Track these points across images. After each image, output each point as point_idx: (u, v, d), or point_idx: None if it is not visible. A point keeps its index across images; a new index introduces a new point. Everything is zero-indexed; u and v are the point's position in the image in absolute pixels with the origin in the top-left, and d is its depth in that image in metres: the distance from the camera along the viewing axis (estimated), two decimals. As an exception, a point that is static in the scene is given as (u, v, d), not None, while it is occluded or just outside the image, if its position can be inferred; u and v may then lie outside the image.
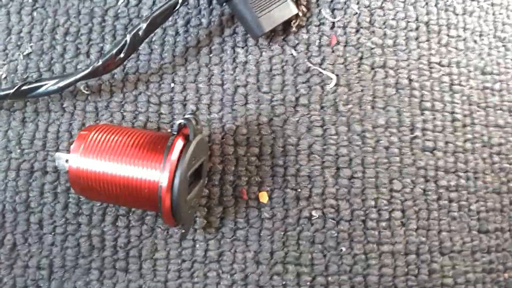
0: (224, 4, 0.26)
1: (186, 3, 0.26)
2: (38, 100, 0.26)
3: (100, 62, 0.24)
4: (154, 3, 0.27)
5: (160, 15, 0.24)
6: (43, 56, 0.27)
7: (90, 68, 0.24)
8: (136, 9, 0.27)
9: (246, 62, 0.27)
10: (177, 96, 0.26)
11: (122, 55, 0.24)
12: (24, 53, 0.27)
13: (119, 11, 0.27)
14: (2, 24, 0.27)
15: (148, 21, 0.24)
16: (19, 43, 0.27)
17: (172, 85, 0.26)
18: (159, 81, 0.26)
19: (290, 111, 0.26)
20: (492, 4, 0.29)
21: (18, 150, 0.26)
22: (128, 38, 0.24)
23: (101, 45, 0.27)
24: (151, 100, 0.26)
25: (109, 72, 0.25)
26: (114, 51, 0.24)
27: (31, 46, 0.27)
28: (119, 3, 0.27)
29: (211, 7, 0.27)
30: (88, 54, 0.27)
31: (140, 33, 0.24)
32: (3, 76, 0.27)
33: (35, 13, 0.27)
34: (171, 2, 0.24)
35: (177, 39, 0.27)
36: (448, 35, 0.28)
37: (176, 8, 0.24)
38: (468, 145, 0.27)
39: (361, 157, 0.26)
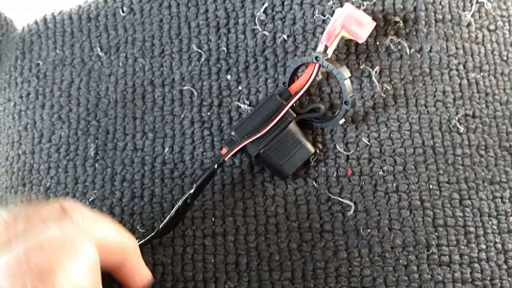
0: (253, 158, 0.30)
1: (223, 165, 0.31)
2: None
3: (160, 227, 0.29)
4: (194, 148, 0.32)
5: (204, 181, 0.29)
6: (105, 201, 0.32)
7: (152, 233, 0.29)
8: (179, 155, 0.32)
9: (274, 195, 0.31)
10: (217, 229, 0.31)
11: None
12: (90, 200, 0.32)
13: (165, 157, 0.32)
14: (70, 175, 0.33)
15: (194, 189, 0.29)
16: (84, 190, 0.32)
17: (213, 219, 0.31)
18: (202, 216, 0.31)
19: (317, 237, 0.30)
20: (495, 117, 0.32)
21: None
22: (180, 203, 0.28)
23: (152, 188, 0.32)
24: (197, 234, 0.31)
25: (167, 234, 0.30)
26: (172, 214, 0.29)
27: (94, 193, 0.32)
28: (165, 150, 0.32)
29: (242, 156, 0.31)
30: (142, 197, 0.32)
31: (188, 200, 0.28)
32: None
33: (96, 165, 0.33)
34: (210, 170, 0.29)
35: (215, 178, 0.31)
36: (454, 154, 0.31)
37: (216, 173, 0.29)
38: (483, 254, 0.30)
39: (383, 276, 0.29)
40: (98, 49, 0.34)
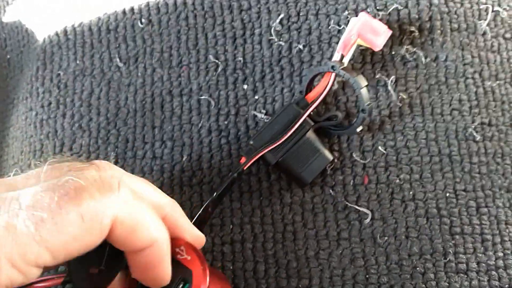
0: (270, 166, 0.31)
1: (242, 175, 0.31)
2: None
3: None
4: (212, 156, 0.33)
5: (224, 189, 0.29)
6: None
7: None
8: (197, 163, 0.33)
9: (291, 203, 0.31)
10: (235, 237, 0.31)
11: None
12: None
13: (184, 165, 0.33)
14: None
15: (214, 197, 0.29)
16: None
17: (231, 226, 0.31)
18: (220, 223, 0.31)
19: (334, 245, 0.30)
20: (511, 125, 0.32)
21: None
22: (201, 211, 0.29)
23: (171, 195, 0.32)
24: (216, 241, 0.31)
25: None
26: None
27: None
28: (184, 159, 0.33)
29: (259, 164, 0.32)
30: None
31: (209, 209, 0.29)
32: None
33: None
34: (230, 179, 0.29)
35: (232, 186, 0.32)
36: (470, 162, 0.31)
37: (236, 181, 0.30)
38: (500, 262, 0.30)
39: (400, 284, 0.29)
40: (118, 59, 0.34)
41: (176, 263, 0.24)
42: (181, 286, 0.24)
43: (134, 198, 0.22)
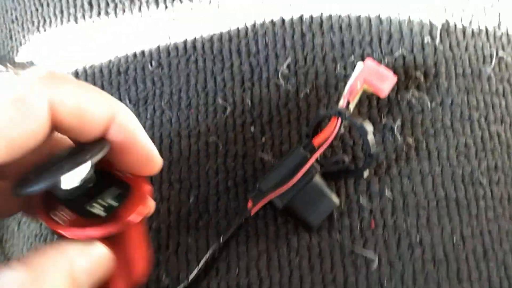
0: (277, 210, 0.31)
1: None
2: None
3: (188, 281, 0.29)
4: (218, 198, 0.33)
5: (231, 234, 0.29)
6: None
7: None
8: (204, 205, 0.33)
9: (298, 247, 0.31)
10: (241, 281, 0.31)
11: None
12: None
13: (191, 207, 0.33)
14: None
15: (221, 242, 0.29)
16: (112, 239, 0.33)
17: (237, 270, 0.31)
18: (226, 267, 0.31)
19: (341, 290, 0.30)
20: (518, 168, 0.32)
21: None
22: (208, 256, 0.29)
23: (178, 238, 0.32)
24: (221, 285, 0.31)
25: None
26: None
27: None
28: (190, 200, 0.33)
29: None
30: (167, 246, 0.32)
31: (215, 255, 0.29)
32: None
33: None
34: (238, 224, 0.29)
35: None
36: (477, 207, 0.31)
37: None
38: (509, 309, 0.29)
39: (408, 331, 0.29)
40: (127, 101, 0.35)
41: (112, 179, 0.22)
42: (111, 197, 0.22)
43: (75, 86, 0.21)
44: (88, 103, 0.21)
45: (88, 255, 0.20)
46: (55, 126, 0.21)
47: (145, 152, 0.23)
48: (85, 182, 0.22)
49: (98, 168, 0.22)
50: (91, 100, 0.21)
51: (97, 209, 0.21)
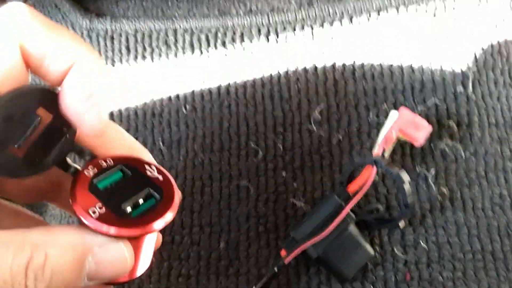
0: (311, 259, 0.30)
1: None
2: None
3: None
4: (249, 245, 0.32)
5: (264, 285, 0.29)
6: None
7: None
8: (234, 251, 0.32)
9: (331, 297, 0.30)
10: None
11: None
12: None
13: (221, 253, 0.32)
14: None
15: None
16: (140, 284, 0.32)
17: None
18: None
19: None
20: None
21: None
22: None
23: (207, 285, 0.32)
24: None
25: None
26: None
27: (150, 287, 0.32)
28: (221, 246, 0.33)
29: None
30: None
31: None
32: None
33: (154, 258, 0.33)
34: (271, 274, 0.29)
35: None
36: (514, 261, 0.31)
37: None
38: None
39: None
40: (161, 143, 0.35)
41: (147, 181, 0.23)
42: (143, 198, 0.22)
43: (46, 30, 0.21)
44: (53, 51, 0.21)
45: (108, 252, 0.21)
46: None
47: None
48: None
49: (132, 168, 0.23)
50: (57, 48, 0.21)
51: (128, 208, 0.22)
